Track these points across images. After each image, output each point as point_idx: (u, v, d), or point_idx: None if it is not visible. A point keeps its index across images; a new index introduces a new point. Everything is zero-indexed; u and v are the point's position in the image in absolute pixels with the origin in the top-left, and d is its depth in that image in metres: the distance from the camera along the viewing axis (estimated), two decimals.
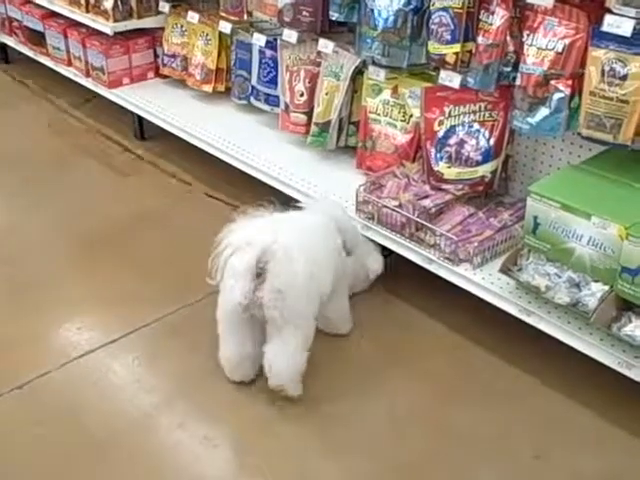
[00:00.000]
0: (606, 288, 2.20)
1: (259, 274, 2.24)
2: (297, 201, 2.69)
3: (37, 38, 4.34)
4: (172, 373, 2.52)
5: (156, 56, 4.02)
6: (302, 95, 3.23)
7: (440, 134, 2.72)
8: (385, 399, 2.40)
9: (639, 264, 2.08)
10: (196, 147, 3.49)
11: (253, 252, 2.23)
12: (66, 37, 4.10)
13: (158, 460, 2.23)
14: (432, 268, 2.60)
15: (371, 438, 2.28)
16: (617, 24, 2.11)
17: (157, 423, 2.35)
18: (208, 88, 3.72)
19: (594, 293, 2.23)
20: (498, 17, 2.41)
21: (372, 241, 2.75)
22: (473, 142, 2.69)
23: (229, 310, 2.31)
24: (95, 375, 2.52)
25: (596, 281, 2.23)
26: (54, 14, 4.18)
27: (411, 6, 2.63)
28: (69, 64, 4.17)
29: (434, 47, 2.57)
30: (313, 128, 3.17)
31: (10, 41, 4.68)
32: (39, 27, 4.29)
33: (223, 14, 3.44)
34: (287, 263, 2.24)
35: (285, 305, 2.25)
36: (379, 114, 2.98)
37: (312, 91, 3.19)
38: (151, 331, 2.68)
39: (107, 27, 3.82)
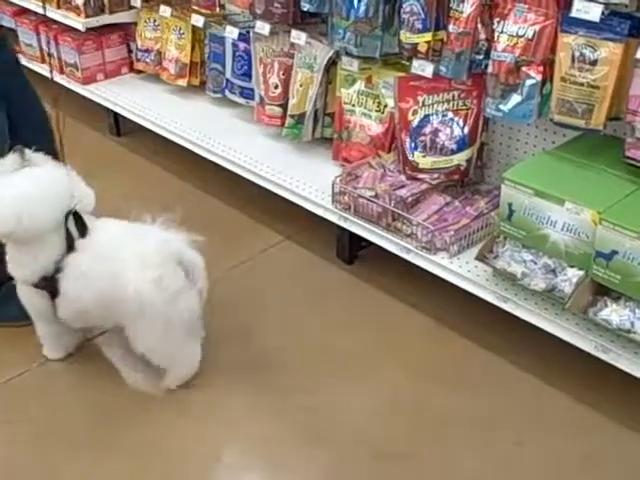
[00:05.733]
0: (581, 273, 2.22)
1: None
2: None
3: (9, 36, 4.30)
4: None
5: (130, 51, 3.99)
6: (276, 87, 3.22)
7: (414, 124, 2.71)
8: (367, 388, 2.41)
9: (613, 249, 2.09)
10: (172, 142, 3.47)
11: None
12: (38, 34, 4.07)
13: (143, 455, 2.23)
14: (409, 257, 2.60)
15: (354, 427, 2.28)
16: (586, 9, 2.11)
17: (138, 418, 2.34)
18: (183, 82, 3.70)
19: (570, 279, 2.24)
20: (468, 5, 2.40)
21: None
22: (447, 131, 2.69)
23: None
24: (75, 372, 2.51)
25: (571, 266, 2.24)
26: (26, 11, 4.14)
27: None
28: (42, 61, 4.13)
29: (406, 36, 2.56)
30: (288, 120, 3.16)
31: None
32: (11, 24, 4.24)
33: (195, 7, 3.41)
34: None
35: None
36: (354, 105, 2.97)
37: (286, 83, 3.18)
38: None
39: (79, 23, 3.79)
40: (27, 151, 2.32)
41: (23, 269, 2.32)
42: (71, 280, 2.27)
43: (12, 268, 2.34)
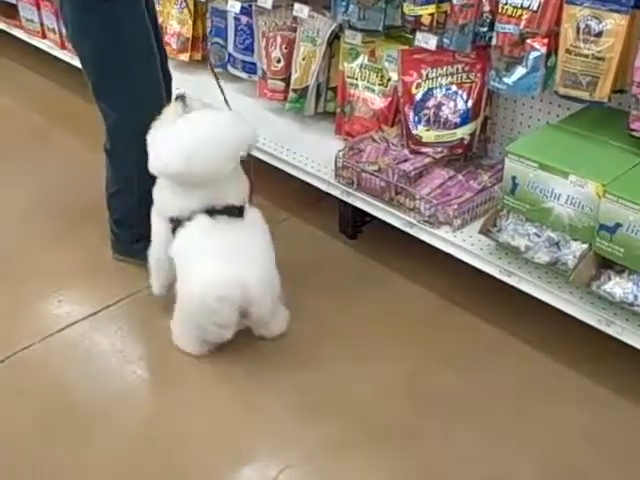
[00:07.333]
0: (585, 246, 2.21)
1: None
2: None
3: (10, 10, 4.27)
4: (155, 342, 2.52)
5: None
6: (279, 61, 3.20)
7: (418, 97, 2.69)
8: (369, 365, 2.41)
9: (617, 221, 2.08)
10: None
11: None
12: (39, 9, 4.03)
13: (144, 430, 2.24)
14: (413, 232, 2.59)
15: (354, 403, 2.28)
16: None
17: (141, 393, 2.35)
18: (185, 57, 3.67)
19: (573, 252, 2.23)
20: None
21: None
22: (451, 104, 2.67)
23: None
24: (78, 347, 2.52)
25: (575, 240, 2.23)
26: None
27: None
28: (43, 36, 4.10)
29: (409, 9, 2.53)
30: (291, 94, 3.14)
31: None
32: None
33: None
34: None
35: None
36: (357, 78, 2.95)
37: (289, 57, 3.15)
38: (132, 302, 2.68)
39: None
40: (188, 98, 2.36)
41: (168, 204, 2.38)
42: (183, 235, 2.32)
43: (157, 200, 2.41)
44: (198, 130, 2.30)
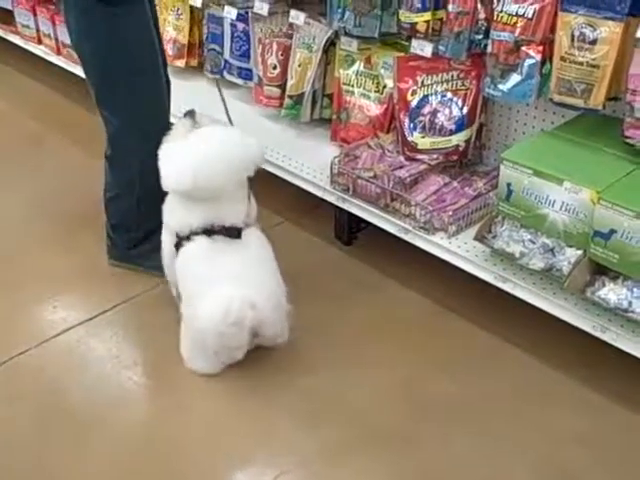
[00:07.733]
0: (580, 253, 2.22)
1: None
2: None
3: (6, 16, 4.27)
4: (151, 348, 2.52)
5: None
6: (275, 68, 3.21)
7: (413, 104, 2.71)
8: (365, 371, 2.41)
9: (611, 228, 2.10)
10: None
11: None
12: (35, 15, 4.04)
13: (140, 435, 2.24)
14: (408, 238, 2.60)
15: (351, 409, 2.29)
16: None
17: (137, 398, 2.35)
18: (181, 63, 3.68)
19: (568, 258, 2.25)
20: None
21: None
22: (446, 111, 2.69)
23: None
24: (73, 353, 2.51)
25: (570, 246, 2.25)
26: None
27: None
28: (39, 42, 4.10)
29: (405, 16, 2.55)
30: (287, 101, 3.16)
31: None
32: (7, 4, 4.22)
33: None
34: None
35: None
36: (352, 85, 2.96)
37: (285, 64, 3.17)
38: (128, 308, 2.68)
39: None
40: (197, 113, 2.39)
41: (179, 220, 2.35)
42: (182, 254, 2.33)
43: (169, 216, 2.41)
44: (208, 145, 2.31)
